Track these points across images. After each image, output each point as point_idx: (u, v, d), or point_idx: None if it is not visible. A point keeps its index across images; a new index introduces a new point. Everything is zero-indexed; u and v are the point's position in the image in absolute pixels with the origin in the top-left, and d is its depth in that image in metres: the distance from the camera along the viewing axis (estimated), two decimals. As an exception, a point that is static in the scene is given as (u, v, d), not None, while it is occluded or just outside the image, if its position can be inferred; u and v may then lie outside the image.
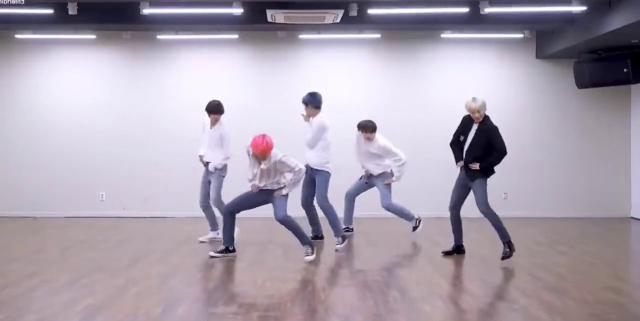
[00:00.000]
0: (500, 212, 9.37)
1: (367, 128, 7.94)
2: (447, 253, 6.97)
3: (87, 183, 10.22)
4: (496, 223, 6.72)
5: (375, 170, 8.05)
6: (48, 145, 10.28)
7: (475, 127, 6.66)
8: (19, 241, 7.95)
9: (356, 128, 8.03)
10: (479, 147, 6.60)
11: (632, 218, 10.22)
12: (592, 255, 7.06)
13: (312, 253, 6.58)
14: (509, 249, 6.62)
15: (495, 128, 6.60)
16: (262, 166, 6.48)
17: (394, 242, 7.83)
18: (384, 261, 6.67)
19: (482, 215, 6.86)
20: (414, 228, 8.25)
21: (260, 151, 6.35)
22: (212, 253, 6.80)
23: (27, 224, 9.42)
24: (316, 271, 6.20)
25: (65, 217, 10.04)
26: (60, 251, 7.21)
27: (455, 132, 6.85)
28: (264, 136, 6.39)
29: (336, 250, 7.15)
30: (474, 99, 6.58)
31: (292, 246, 7.38)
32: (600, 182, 10.37)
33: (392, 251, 7.28)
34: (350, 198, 8.36)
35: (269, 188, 6.66)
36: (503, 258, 6.58)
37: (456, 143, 6.80)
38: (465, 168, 6.69)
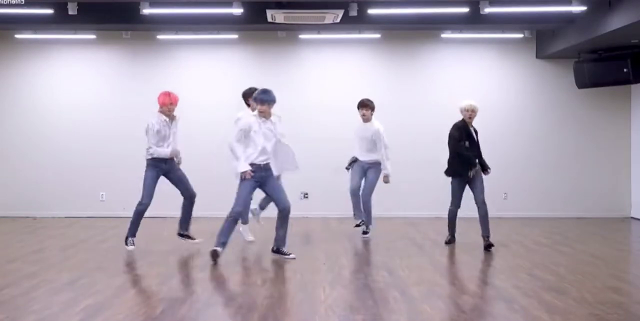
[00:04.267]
0: (500, 212, 9.43)
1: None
2: (448, 243, 7.59)
3: (87, 183, 10.22)
4: (487, 214, 7.37)
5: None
6: (48, 145, 10.29)
7: (471, 128, 7.41)
8: (19, 241, 7.95)
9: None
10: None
11: (632, 218, 10.22)
12: (592, 255, 7.06)
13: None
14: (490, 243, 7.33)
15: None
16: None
17: (394, 242, 7.83)
18: (384, 262, 6.66)
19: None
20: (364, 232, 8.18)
21: (175, 98, 7.09)
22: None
23: (27, 224, 9.42)
24: (316, 272, 6.20)
25: (65, 217, 10.05)
26: (60, 251, 7.21)
27: (461, 140, 7.31)
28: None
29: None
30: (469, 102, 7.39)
31: (292, 246, 7.39)
32: (600, 182, 10.37)
33: (392, 251, 7.27)
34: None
35: (173, 155, 7.26)
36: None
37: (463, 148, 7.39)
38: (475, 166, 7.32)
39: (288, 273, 6.13)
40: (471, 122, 7.41)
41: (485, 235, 7.32)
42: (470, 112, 7.32)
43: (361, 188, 8.05)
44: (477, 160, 7.33)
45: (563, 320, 4.50)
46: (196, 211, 7.55)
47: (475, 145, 7.40)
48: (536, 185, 10.34)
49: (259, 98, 6.52)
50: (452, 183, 7.45)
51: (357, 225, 8.17)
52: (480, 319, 4.68)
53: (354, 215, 8.19)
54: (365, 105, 7.99)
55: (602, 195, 10.36)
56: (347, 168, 8.18)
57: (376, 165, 8.00)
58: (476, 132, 7.50)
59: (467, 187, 7.41)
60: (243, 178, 6.41)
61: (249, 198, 6.68)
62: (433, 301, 5.06)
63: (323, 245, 7.40)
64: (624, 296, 5.26)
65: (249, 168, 6.41)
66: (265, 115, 6.53)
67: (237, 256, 6.91)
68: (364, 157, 8.05)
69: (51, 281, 5.63)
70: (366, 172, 8.08)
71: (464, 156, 7.25)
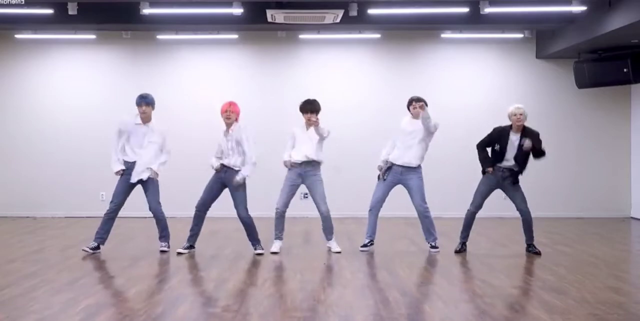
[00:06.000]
0: (500, 212, 9.43)
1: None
2: (458, 252, 7.15)
3: (87, 183, 10.22)
4: (531, 221, 7.14)
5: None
6: (48, 145, 10.29)
7: (516, 136, 6.93)
8: (19, 241, 7.95)
9: None
10: (527, 154, 6.96)
11: (632, 218, 10.22)
12: (592, 255, 7.06)
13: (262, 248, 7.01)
14: (535, 249, 7.11)
15: (538, 133, 6.98)
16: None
17: (394, 242, 7.83)
18: (384, 262, 6.66)
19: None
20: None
21: (234, 105, 7.05)
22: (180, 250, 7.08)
23: (27, 224, 9.42)
24: (316, 272, 6.20)
25: (65, 217, 10.05)
26: (60, 251, 7.21)
27: (485, 141, 7.12)
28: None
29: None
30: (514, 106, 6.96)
31: (292, 246, 7.39)
32: (600, 182, 10.38)
33: (392, 251, 7.27)
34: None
35: (231, 166, 6.90)
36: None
37: (484, 150, 7.13)
38: (505, 174, 7.08)
39: (288, 273, 6.13)
40: (520, 127, 6.88)
41: (528, 242, 7.12)
42: (519, 116, 6.82)
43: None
44: (492, 164, 7.00)
45: (563, 320, 4.50)
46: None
47: (509, 153, 6.93)
48: (536, 185, 10.29)
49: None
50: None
51: (365, 245, 7.21)
52: (480, 319, 4.68)
53: (368, 235, 7.25)
54: (422, 101, 7.34)
55: (602, 195, 10.36)
56: (384, 178, 7.23)
57: (418, 169, 7.27)
58: (535, 139, 6.83)
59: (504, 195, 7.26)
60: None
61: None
62: (433, 301, 5.06)
63: (323, 245, 7.40)
64: (624, 296, 5.26)
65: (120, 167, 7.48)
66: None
67: (237, 257, 6.91)
68: (406, 159, 7.19)
69: (51, 281, 5.63)
70: (405, 182, 7.25)
71: (478, 155, 7.15)
